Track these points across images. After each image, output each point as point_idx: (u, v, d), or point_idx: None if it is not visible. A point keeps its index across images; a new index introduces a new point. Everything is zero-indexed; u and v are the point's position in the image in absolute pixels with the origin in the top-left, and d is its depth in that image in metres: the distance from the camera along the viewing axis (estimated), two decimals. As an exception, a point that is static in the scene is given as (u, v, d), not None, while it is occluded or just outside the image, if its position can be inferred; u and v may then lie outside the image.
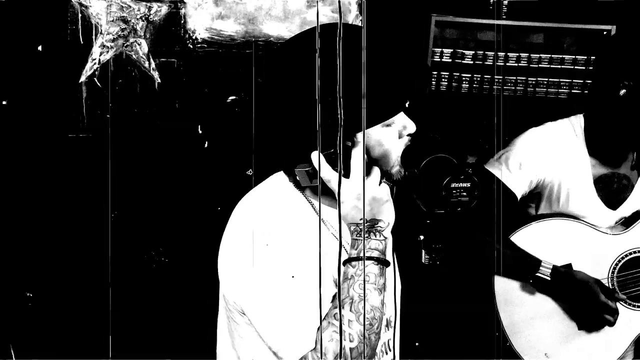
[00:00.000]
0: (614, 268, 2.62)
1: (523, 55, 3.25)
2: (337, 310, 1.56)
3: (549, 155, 2.59)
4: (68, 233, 3.04)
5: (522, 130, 2.68)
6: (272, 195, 1.74)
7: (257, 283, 1.60)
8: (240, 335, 1.73)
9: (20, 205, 3.01)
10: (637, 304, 2.63)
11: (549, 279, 2.54)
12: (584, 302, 2.56)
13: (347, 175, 1.60)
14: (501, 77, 3.24)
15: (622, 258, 2.63)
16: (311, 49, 1.58)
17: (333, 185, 1.60)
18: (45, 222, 3.03)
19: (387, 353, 1.85)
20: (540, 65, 3.26)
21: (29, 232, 3.02)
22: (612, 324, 2.54)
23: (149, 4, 2.97)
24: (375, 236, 1.60)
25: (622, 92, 2.43)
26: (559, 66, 3.27)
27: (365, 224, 1.61)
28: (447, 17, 3.17)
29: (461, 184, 1.44)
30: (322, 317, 1.56)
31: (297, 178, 1.68)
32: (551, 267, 2.54)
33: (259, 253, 1.61)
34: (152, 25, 3.01)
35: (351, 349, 1.53)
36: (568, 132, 2.63)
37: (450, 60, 3.22)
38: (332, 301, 1.60)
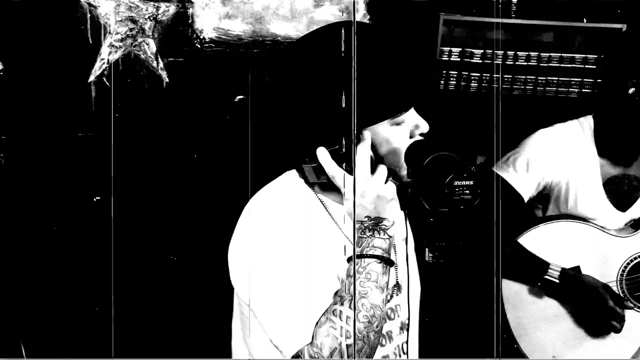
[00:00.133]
0: (623, 270, 2.59)
1: (533, 54, 3.23)
2: (336, 307, 1.56)
3: (558, 157, 2.57)
4: (76, 231, 3.06)
5: (531, 130, 2.67)
6: (282, 192, 1.75)
7: (261, 276, 1.63)
8: (250, 328, 1.75)
9: (30, 203, 3.03)
10: None
11: (557, 281, 2.52)
12: (592, 306, 2.54)
13: (351, 173, 1.61)
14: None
15: (632, 261, 2.60)
16: (320, 47, 1.62)
17: (338, 182, 1.62)
18: (54, 220, 3.04)
19: (400, 356, 1.84)
20: (550, 64, 3.24)
21: (37, 230, 3.04)
22: (618, 330, 2.53)
23: (157, 4, 2.98)
24: (379, 234, 1.61)
25: (631, 90, 2.41)
26: (569, 65, 3.24)
27: (370, 222, 1.61)
28: (455, 15, 3.15)
29: (464, 181, 1.44)
30: (323, 313, 1.57)
31: (305, 174, 1.69)
32: (560, 269, 2.53)
33: (264, 247, 1.63)
34: (160, 25, 3.01)
35: (348, 346, 1.54)
36: (577, 134, 2.61)
37: (458, 59, 3.20)
38: (334, 297, 1.61)
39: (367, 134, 1.62)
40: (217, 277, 2.12)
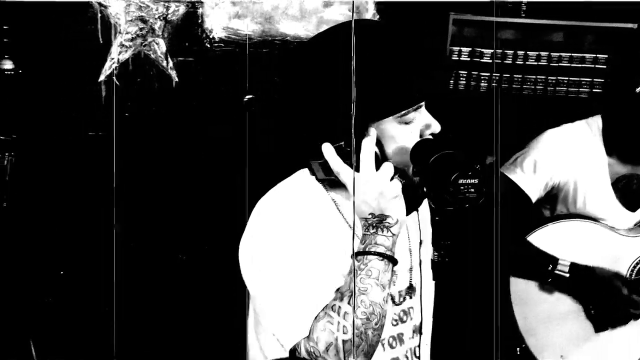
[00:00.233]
0: (633, 269, 2.59)
1: (543, 53, 3.22)
2: (336, 302, 1.57)
3: (566, 158, 2.57)
4: (86, 230, 3.07)
5: (541, 130, 2.66)
6: (292, 188, 1.77)
7: (266, 268, 1.65)
8: (262, 323, 1.78)
9: (40, 201, 3.04)
10: None
11: (567, 275, 2.52)
12: (606, 297, 2.53)
13: (357, 169, 1.62)
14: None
15: None
16: (328, 47, 1.64)
17: (343, 178, 1.63)
18: (63, 219, 3.05)
19: (411, 359, 1.84)
20: (560, 64, 3.23)
21: (47, 228, 3.05)
22: (637, 316, 2.52)
23: (167, 4, 2.99)
24: (382, 232, 1.61)
25: (639, 89, 2.41)
26: (580, 65, 3.23)
27: (374, 220, 1.61)
28: (466, 15, 3.14)
29: (469, 180, 1.43)
30: (322, 308, 1.58)
31: (314, 171, 1.71)
32: (569, 263, 2.52)
33: (272, 241, 1.65)
34: (170, 25, 3.02)
35: (344, 341, 1.54)
36: (585, 133, 2.61)
37: (468, 59, 3.20)
38: (335, 293, 1.61)
39: (372, 130, 1.63)
40: (227, 276, 2.13)
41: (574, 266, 2.52)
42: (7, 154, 2.97)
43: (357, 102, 1.57)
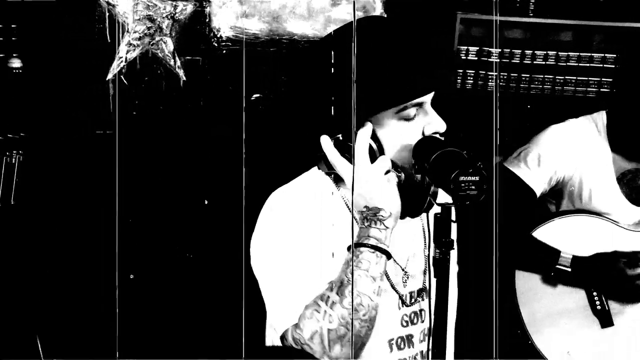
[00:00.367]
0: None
1: (551, 53, 3.22)
2: (326, 292, 1.60)
3: (570, 152, 2.57)
4: (93, 228, 3.07)
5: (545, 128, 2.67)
6: (303, 183, 1.81)
7: (266, 258, 1.71)
8: None
9: (48, 199, 3.05)
10: None
11: (569, 270, 2.52)
12: (611, 280, 2.52)
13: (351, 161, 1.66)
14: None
15: None
16: (334, 46, 1.67)
17: (339, 171, 1.66)
18: (71, 217, 3.06)
19: None
20: (568, 64, 3.22)
21: (55, 226, 3.05)
22: None
23: (174, 3, 2.99)
24: (376, 225, 1.62)
25: None
26: (588, 64, 3.22)
27: (368, 212, 1.63)
28: (473, 14, 3.14)
29: (470, 177, 1.44)
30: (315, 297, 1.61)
31: (319, 166, 1.76)
32: (571, 257, 2.52)
33: (277, 231, 1.71)
34: (178, 24, 3.03)
35: (329, 330, 1.57)
36: (590, 129, 2.61)
37: (476, 58, 3.20)
38: (328, 284, 1.63)
39: (368, 123, 1.65)
40: (234, 274, 2.13)
41: (575, 259, 2.52)
42: (15, 152, 2.97)
43: (356, 96, 1.60)
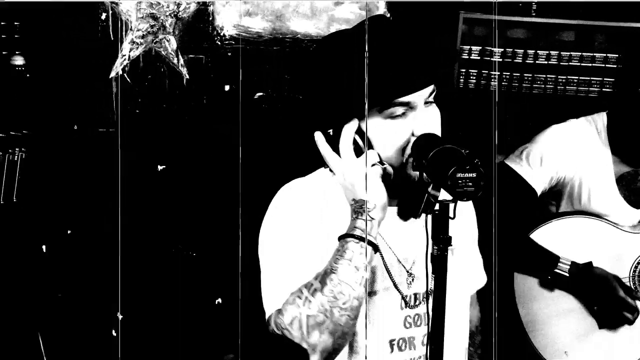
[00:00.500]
0: (636, 266, 2.59)
1: (553, 53, 3.21)
2: (311, 280, 1.64)
3: (571, 153, 2.58)
4: (95, 226, 3.08)
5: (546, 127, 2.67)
6: (312, 179, 1.86)
7: (266, 246, 1.78)
8: None
9: (50, 197, 3.05)
10: None
11: (567, 275, 2.53)
12: (602, 298, 2.54)
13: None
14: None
15: None
16: (334, 50, 1.74)
17: (329, 164, 1.74)
18: (73, 215, 3.06)
19: None
20: (570, 63, 3.22)
21: (58, 224, 3.06)
22: (631, 322, 2.53)
23: (178, 1, 2.99)
24: (362, 216, 1.66)
25: None
26: (590, 64, 3.22)
27: (355, 205, 1.68)
28: (475, 14, 3.14)
29: (467, 174, 1.45)
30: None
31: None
32: (570, 263, 2.53)
33: (280, 221, 1.78)
34: (181, 22, 3.03)
35: (308, 316, 1.60)
36: (590, 130, 2.62)
37: (478, 57, 3.20)
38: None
39: (355, 119, 1.69)
40: (234, 272, 2.14)
41: (574, 265, 2.52)
42: (18, 149, 2.98)
43: (345, 94, 1.67)
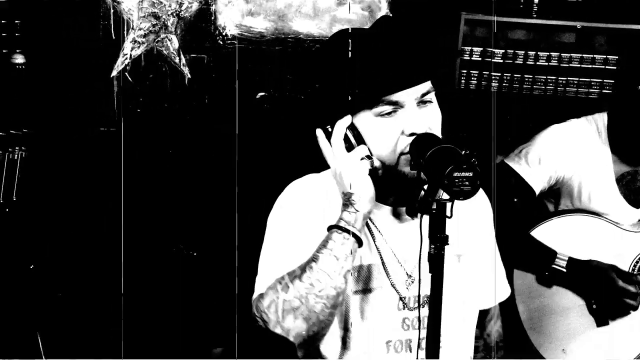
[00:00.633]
0: (635, 264, 2.59)
1: (553, 54, 3.21)
2: (295, 268, 1.67)
3: (570, 152, 2.58)
4: (96, 225, 3.08)
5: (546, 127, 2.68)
6: (320, 176, 1.89)
7: (269, 234, 1.82)
8: None
9: (51, 195, 3.05)
10: None
11: (564, 270, 2.53)
12: (603, 289, 2.54)
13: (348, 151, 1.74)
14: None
15: None
16: (332, 51, 1.77)
17: (326, 158, 1.78)
18: (74, 214, 3.07)
19: None
20: (571, 65, 3.22)
21: (59, 223, 3.06)
22: (635, 307, 2.52)
23: (180, 0, 3.00)
24: (347, 208, 1.69)
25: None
26: (590, 66, 3.22)
27: (344, 198, 1.71)
28: (477, 15, 3.14)
29: (463, 173, 1.45)
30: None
31: None
32: (567, 258, 2.53)
33: (274, 216, 1.84)
34: (183, 22, 3.03)
35: (284, 301, 1.63)
36: (590, 129, 2.62)
37: (480, 58, 3.20)
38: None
39: (348, 115, 1.73)
40: (234, 271, 2.14)
41: (571, 261, 2.53)
42: (18, 148, 2.98)
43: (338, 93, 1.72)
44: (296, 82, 3.12)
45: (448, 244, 1.51)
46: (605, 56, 3.22)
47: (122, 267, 2.89)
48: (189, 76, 3.06)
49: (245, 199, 3.09)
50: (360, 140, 1.71)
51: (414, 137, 1.66)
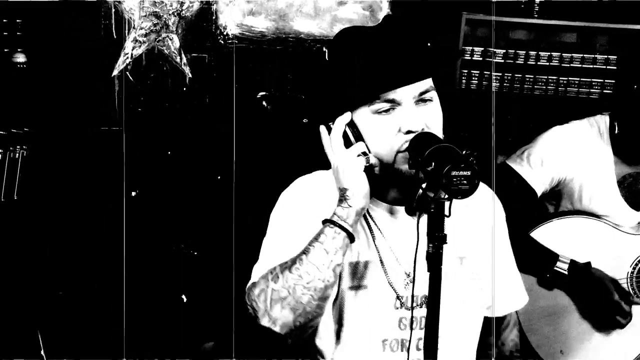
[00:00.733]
0: (634, 267, 2.59)
1: (555, 54, 3.21)
2: (288, 260, 1.69)
3: (572, 154, 2.58)
4: (98, 225, 3.08)
5: (548, 129, 2.68)
6: (322, 173, 1.91)
7: (270, 226, 1.86)
8: None
9: (52, 195, 3.05)
10: None
11: (566, 273, 2.53)
12: (598, 299, 2.55)
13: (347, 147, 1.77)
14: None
15: None
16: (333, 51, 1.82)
17: (327, 154, 1.80)
18: (75, 214, 3.07)
19: None
20: (572, 65, 3.22)
21: (59, 222, 3.06)
22: (622, 325, 2.54)
23: (181, 0, 3.00)
24: (341, 203, 1.71)
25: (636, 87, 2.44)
26: (591, 66, 3.22)
27: (340, 193, 1.73)
28: (478, 15, 3.14)
29: (461, 172, 1.45)
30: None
31: None
32: (569, 261, 2.53)
33: (278, 210, 1.88)
34: (184, 21, 3.03)
35: (273, 290, 1.66)
36: (592, 131, 2.62)
37: (481, 58, 3.19)
38: None
39: (347, 112, 1.75)
40: (236, 270, 2.14)
41: (573, 264, 2.53)
42: (19, 147, 2.98)
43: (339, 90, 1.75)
44: (297, 82, 3.12)
45: (446, 243, 1.51)
46: (606, 56, 3.22)
47: (124, 266, 2.89)
48: (190, 75, 3.06)
49: (245, 198, 3.09)
50: (359, 137, 1.73)
51: (411, 135, 1.66)
